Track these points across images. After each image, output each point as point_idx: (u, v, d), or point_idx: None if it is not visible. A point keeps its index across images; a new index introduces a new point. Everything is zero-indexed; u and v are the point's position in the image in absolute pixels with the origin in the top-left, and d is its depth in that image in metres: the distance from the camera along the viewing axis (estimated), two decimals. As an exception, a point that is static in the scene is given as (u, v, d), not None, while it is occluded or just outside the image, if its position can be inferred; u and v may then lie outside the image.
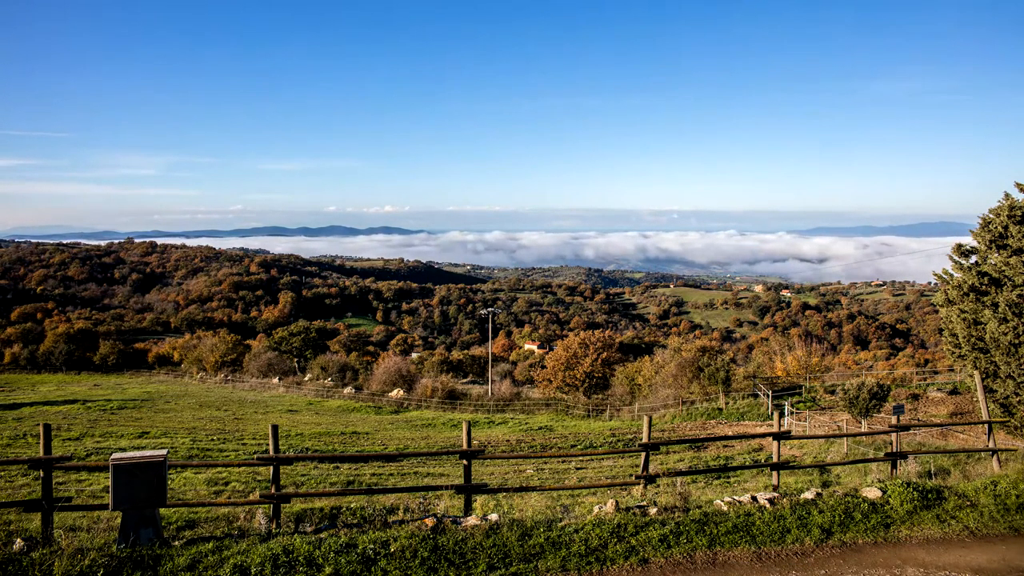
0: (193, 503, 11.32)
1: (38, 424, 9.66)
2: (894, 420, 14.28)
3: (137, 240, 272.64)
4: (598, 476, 19.11)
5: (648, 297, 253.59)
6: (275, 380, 57.65)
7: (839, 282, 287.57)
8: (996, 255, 18.46)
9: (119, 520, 8.12)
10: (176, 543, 7.84)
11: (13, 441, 23.81)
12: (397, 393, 48.45)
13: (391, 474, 19.59)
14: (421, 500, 9.79)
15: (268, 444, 20.35)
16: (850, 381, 30.43)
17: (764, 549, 8.35)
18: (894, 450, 12.27)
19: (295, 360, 67.19)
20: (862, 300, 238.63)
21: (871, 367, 68.94)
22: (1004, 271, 17.68)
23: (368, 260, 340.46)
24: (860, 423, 25.03)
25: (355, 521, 8.95)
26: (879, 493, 9.91)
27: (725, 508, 9.30)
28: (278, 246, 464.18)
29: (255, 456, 9.11)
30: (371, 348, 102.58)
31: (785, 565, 7.96)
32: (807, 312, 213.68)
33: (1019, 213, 17.69)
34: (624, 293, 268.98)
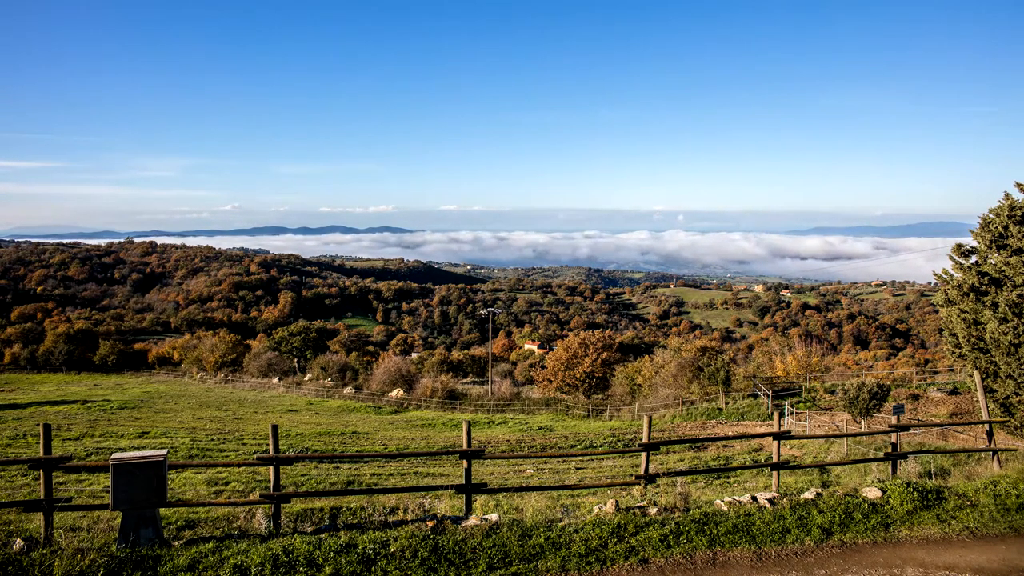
0: (193, 503, 11.30)
1: (38, 424, 9.65)
2: (894, 420, 14.29)
3: (137, 240, 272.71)
4: (598, 476, 19.10)
5: (648, 297, 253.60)
6: (275, 380, 57.63)
7: (839, 282, 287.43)
8: (996, 255, 18.44)
9: (119, 520, 8.11)
10: (176, 543, 7.84)
11: (13, 441, 23.81)
12: (397, 393, 48.43)
13: (391, 474, 19.58)
14: (421, 500, 9.78)
15: (268, 444, 20.36)
16: (850, 381, 30.44)
17: (764, 549, 8.35)
18: (894, 450, 12.26)
19: (295, 360, 67.16)
20: (862, 300, 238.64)
21: (871, 367, 68.94)
22: (1004, 271, 17.67)
23: (368, 260, 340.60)
24: (860, 423, 25.03)
25: (355, 521, 8.95)
26: (879, 493, 9.91)
27: (725, 508, 9.29)
28: (278, 246, 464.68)
29: (255, 456, 9.11)
30: (371, 348, 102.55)
31: (785, 565, 7.95)
32: (807, 312, 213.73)
33: (1019, 213, 17.67)
34: (624, 293, 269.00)
